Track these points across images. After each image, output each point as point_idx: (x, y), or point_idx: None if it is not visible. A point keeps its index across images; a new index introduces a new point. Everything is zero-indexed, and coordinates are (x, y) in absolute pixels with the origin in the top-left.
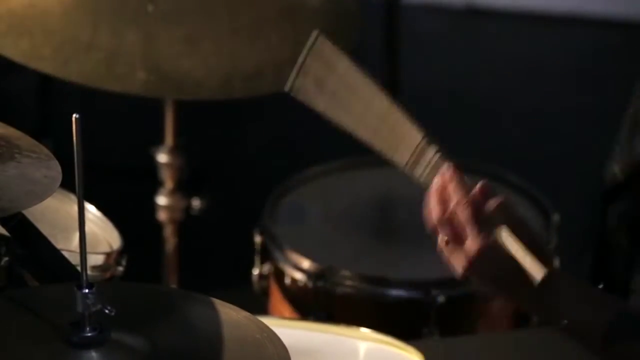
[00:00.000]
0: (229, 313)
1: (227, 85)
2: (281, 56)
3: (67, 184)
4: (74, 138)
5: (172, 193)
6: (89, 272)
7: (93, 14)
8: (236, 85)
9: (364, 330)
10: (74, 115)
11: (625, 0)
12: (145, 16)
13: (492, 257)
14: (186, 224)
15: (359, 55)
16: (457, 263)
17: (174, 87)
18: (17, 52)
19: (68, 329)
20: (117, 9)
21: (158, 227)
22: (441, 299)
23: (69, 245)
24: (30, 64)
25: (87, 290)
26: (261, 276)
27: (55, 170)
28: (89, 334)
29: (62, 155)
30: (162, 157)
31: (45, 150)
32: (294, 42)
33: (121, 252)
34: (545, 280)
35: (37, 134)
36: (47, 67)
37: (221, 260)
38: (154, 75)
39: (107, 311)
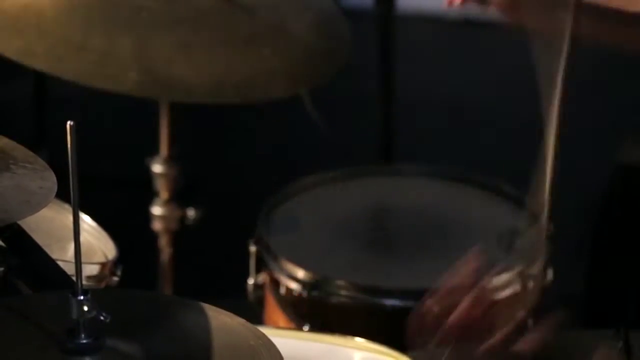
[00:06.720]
0: (224, 320)
1: (219, 91)
2: (272, 67)
3: (63, 195)
4: (69, 145)
5: (167, 203)
6: (84, 282)
7: (85, 19)
8: (227, 92)
9: (359, 339)
10: (69, 123)
11: None
12: (137, 22)
13: None
14: (181, 233)
15: (355, 68)
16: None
17: (165, 89)
18: (10, 49)
19: (63, 336)
20: (109, 15)
21: (153, 237)
22: None
23: (64, 256)
24: (24, 61)
25: (82, 297)
26: (256, 286)
27: (50, 181)
28: (84, 341)
29: (58, 166)
30: (157, 168)
31: (41, 161)
32: (286, 56)
33: (116, 262)
34: None
35: (32, 145)
36: (40, 64)
37: (216, 270)
38: (145, 77)
39: (102, 318)
